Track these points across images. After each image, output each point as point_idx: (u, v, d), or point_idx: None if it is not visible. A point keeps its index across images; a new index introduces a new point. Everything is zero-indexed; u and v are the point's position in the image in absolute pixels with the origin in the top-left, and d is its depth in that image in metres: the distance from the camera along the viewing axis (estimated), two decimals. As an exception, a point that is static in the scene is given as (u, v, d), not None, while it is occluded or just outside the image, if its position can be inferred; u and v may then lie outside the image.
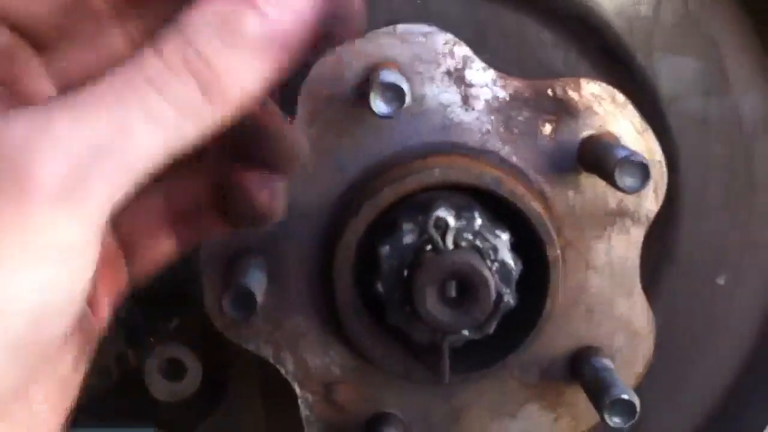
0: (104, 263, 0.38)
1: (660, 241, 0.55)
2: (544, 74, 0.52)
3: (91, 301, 0.39)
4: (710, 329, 0.59)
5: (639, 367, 0.51)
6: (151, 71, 0.31)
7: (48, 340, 0.32)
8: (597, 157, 0.47)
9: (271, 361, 0.49)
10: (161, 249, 0.40)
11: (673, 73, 0.55)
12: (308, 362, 0.50)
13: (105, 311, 0.41)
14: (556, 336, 0.50)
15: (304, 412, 0.50)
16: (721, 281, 0.58)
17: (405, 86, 0.43)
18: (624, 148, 0.46)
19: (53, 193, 0.30)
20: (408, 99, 0.43)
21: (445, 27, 0.49)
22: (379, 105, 0.43)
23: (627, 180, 0.45)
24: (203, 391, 0.58)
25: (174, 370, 0.57)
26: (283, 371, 0.50)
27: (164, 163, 0.31)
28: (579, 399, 0.51)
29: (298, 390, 0.50)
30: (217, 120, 0.31)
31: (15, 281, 0.30)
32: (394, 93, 0.43)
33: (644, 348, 0.51)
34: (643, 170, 0.45)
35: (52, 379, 0.39)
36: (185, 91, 0.31)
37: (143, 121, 0.30)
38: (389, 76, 0.44)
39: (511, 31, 0.55)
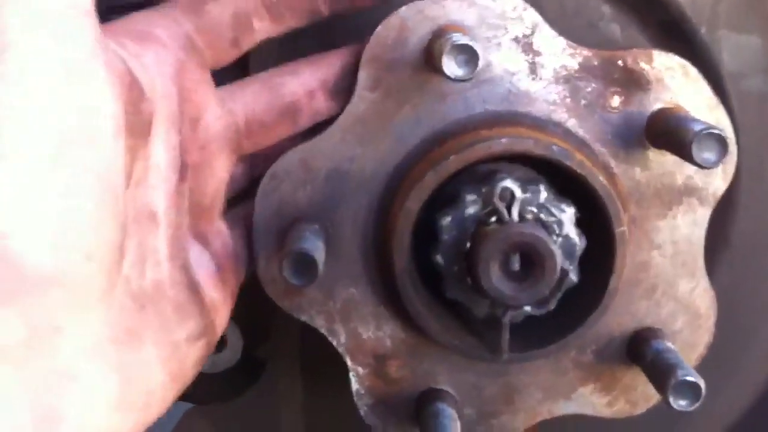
0: (224, 257, 0.47)
1: (717, 224, 0.54)
2: (600, 48, 0.50)
3: (212, 297, 0.45)
4: (762, 316, 0.57)
5: (699, 350, 0.50)
6: None
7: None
8: (669, 131, 0.46)
9: (324, 332, 0.48)
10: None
11: (736, 49, 0.54)
12: (361, 334, 0.48)
13: (225, 310, 0.46)
14: (617, 316, 0.49)
15: (354, 385, 0.49)
16: (776, 267, 0.57)
17: (478, 48, 0.41)
18: (699, 121, 0.44)
19: None
20: (481, 62, 0.42)
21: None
22: (451, 67, 0.42)
23: (705, 154, 0.43)
24: (242, 366, 0.57)
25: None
26: (335, 343, 0.48)
27: None
28: (636, 381, 0.50)
29: (349, 362, 0.48)
30: None
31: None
32: (468, 55, 0.42)
33: (705, 330, 0.50)
34: (721, 144, 0.43)
35: (162, 334, 0.40)
36: None
37: None
38: (461, 38, 0.42)
39: (569, 2, 0.54)
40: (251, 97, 0.47)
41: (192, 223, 0.45)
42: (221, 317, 0.46)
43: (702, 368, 0.50)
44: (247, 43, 0.47)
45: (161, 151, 0.42)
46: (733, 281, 0.56)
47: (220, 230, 0.47)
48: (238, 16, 0.46)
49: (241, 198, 0.50)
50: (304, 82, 0.47)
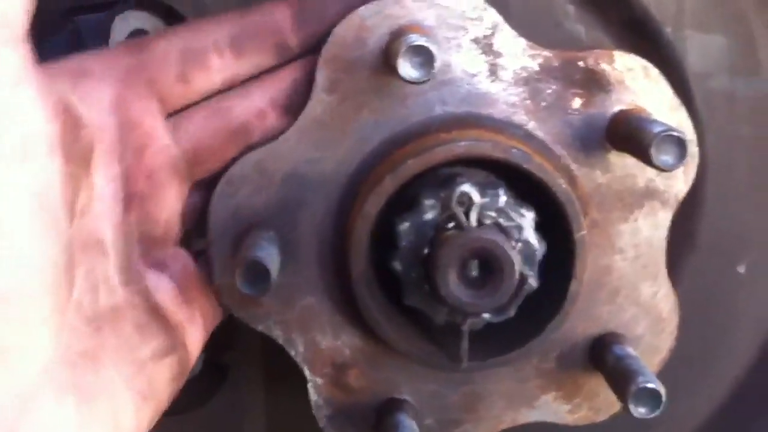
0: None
1: (682, 226, 0.53)
2: (566, 48, 0.49)
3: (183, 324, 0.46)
4: (729, 317, 0.57)
5: (661, 354, 0.49)
6: None
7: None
8: (630, 133, 0.45)
9: (281, 342, 0.47)
10: None
11: (701, 49, 0.53)
12: (319, 344, 0.47)
13: (196, 327, 0.47)
14: (578, 321, 0.48)
15: (312, 396, 0.47)
16: (741, 269, 0.57)
17: (434, 49, 0.40)
18: (659, 123, 0.44)
19: None
20: (437, 63, 0.41)
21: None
22: (407, 69, 0.41)
23: (663, 157, 0.42)
24: (204, 374, 0.56)
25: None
26: (292, 353, 0.47)
27: None
28: (598, 388, 0.49)
29: (307, 373, 0.47)
30: None
31: None
32: (423, 56, 0.41)
33: (667, 335, 0.49)
34: (680, 147, 0.42)
35: (123, 353, 0.43)
36: None
37: None
38: (418, 38, 0.41)
39: (534, 2, 0.53)
40: (200, 124, 0.46)
41: (144, 251, 0.45)
42: (193, 334, 0.46)
43: (668, 372, 0.50)
44: (202, 80, 0.46)
45: (103, 181, 0.42)
46: (699, 283, 0.56)
47: (178, 255, 0.47)
48: (187, 50, 0.45)
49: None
50: (253, 104, 0.46)
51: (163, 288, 0.45)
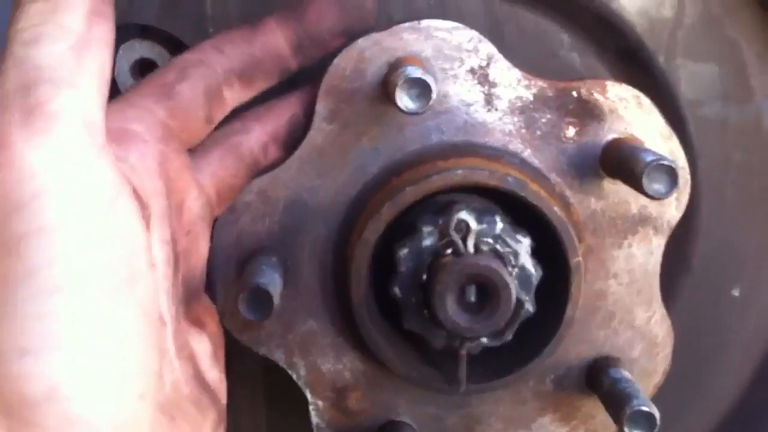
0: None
1: (676, 251, 0.54)
2: (560, 77, 0.50)
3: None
4: (723, 341, 0.58)
5: (656, 378, 0.50)
6: None
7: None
8: (622, 161, 0.46)
9: (283, 365, 0.48)
10: None
11: (694, 77, 0.54)
12: (320, 367, 0.48)
13: (224, 385, 0.46)
14: (574, 345, 0.49)
15: (314, 419, 0.48)
16: (736, 293, 0.57)
17: (431, 81, 0.42)
18: (651, 152, 0.45)
19: None
20: (434, 95, 0.42)
21: (461, 25, 0.47)
22: (404, 101, 0.42)
23: (655, 185, 0.43)
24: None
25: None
26: (294, 376, 0.48)
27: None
28: (595, 411, 0.50)
29: (309, 396, 0.48)
30: None
31: None
32: (421, 89, 0.42)
33: (662, 358, 0.50)
34: (671, 175, 0.43)
35: None
36: None
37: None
38: (415, 71, 0.42)
39: (529, 31, 0.54)
40: (218, 164, 0.46)
41: (186, 311, 0.44)
42: (223, 394, 0.46)
43: (663, 394, 0.51)
44: (219, 116, 0.46)
45: (158, 250, 0.41)
46: (694, 306, 0.57)
47: (208, 306, 0.46)
48: (209, 90, 0.45)
49: None
50: (257, 138, 0.47)
51: (203, 351, 0.44)
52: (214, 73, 0.45)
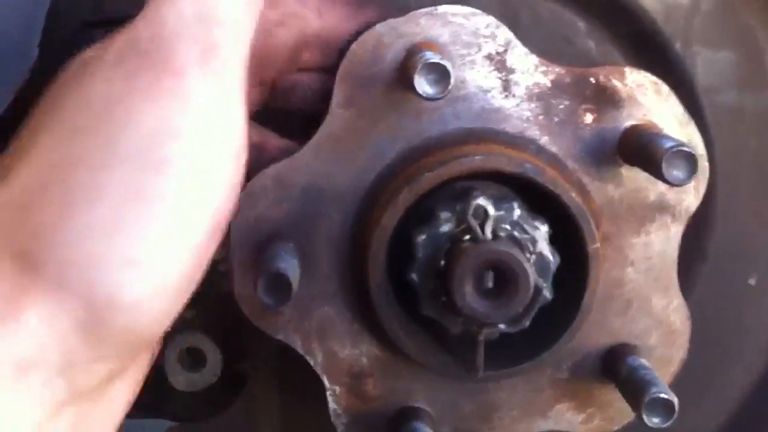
0: None
1: (692, 239, 0.54)
2: (577, 63, 0.50)
3: None
4: (739, 329, 0.58)
5: (673, 366, 0.50)
6: None
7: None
8: (640, 148, 0.46)
9: (300, 351, 0.48)
10: None
11: (710, 64, 0.54)
12: (337, 353, 0.48)
13: None
14: (592, 332, 0.49)
15: (331, 404, 0.48)
16: (752, 281, 0.57)
17: (449, 67, 0.41)
18: (670, 138, 0.45)
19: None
20: (452, 80, 0.42)
21: (476, 12, 0.47)
22: (423, 86, 0.42)
23: (674, 172, 0.43)
24: (222, 383, 0.57)
25: (194, 360, 0.55)
26: (311, 362, 0.48)
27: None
28: (611, 398, 0.50)
29: (326, 382, 0.48)
30: None
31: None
32: (439, 74, 0.42)
33: (679, 346, 0.50)
34: (691, 162, 0.43)
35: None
36: None
37: None
38: (433, 56, 0.42)
39: (545, 18, 0.54)
40: None
41: None
42: None
43: (679, 382, 0.50)
44: (290, 72, 0.49)
45: None
46: (710, 294, 0.57)
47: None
48: (297, 45, 0.48)
49: None
50: None
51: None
52: (306, 28, 0.47)
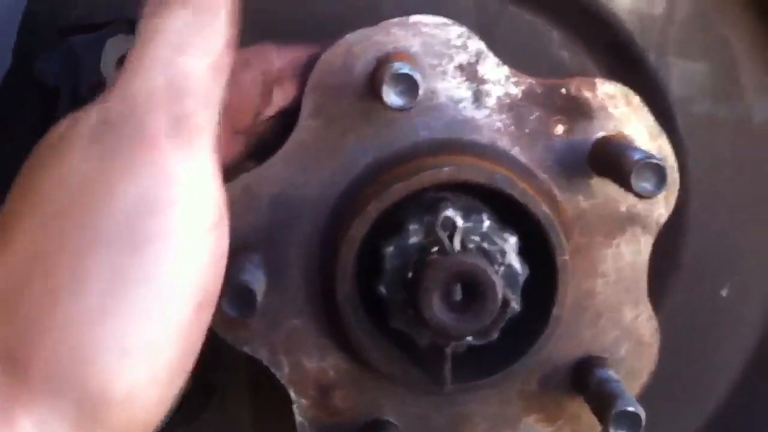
0: None
1: (665, 250, 0.54)
2: (552, 74, 0.50)
3: None
4: (712, 341, 0.58)
5: (642, 377, 0.50)
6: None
7: None
8: (611, 160, 0.46)
9: (267, 363, 0.47)
10: None
11: (684, 74, 0.54)
12: (304, 366, 0.48)
13: None
14: (561, 344, 0.49)
15: (298, 417, 0.48)
16: (724, 293, 0.57)
17: (418, 77, 0.41)
18: (639, 150, 0.45)
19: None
20: (421, 91, 0.41)
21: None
22: (391, 97, 0.41)
23: (642, 184, 0.43)
24: (192, 393, 0.56)
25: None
26: (278, 374, 0.47)
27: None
28: (581, 411, 0.49)
29: (293, 394, 0.48)
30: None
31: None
32: (407, 85, 0.41)
33: (648, 358, 0.50)
34: (659, 174, 0.43)
35: None
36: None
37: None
38: (402, 67, 0.42)
39: (519, 28, 0.54)
40: None
41: None
42: None
43: (651, 394, 0.50)
44: (266, 113, 0.48)
45: None
46: (683, 305, 0.57)
47: None
48: (265, 84, 0.48)
49: None
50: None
51: None
52: (272, 68, 0.47)
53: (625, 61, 0.54)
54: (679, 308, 0.56)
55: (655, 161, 0.43)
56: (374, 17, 0.47)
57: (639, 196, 0.44)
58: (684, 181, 0.53)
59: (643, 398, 0.48)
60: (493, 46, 0.48)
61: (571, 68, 0.54)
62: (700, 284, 0.57)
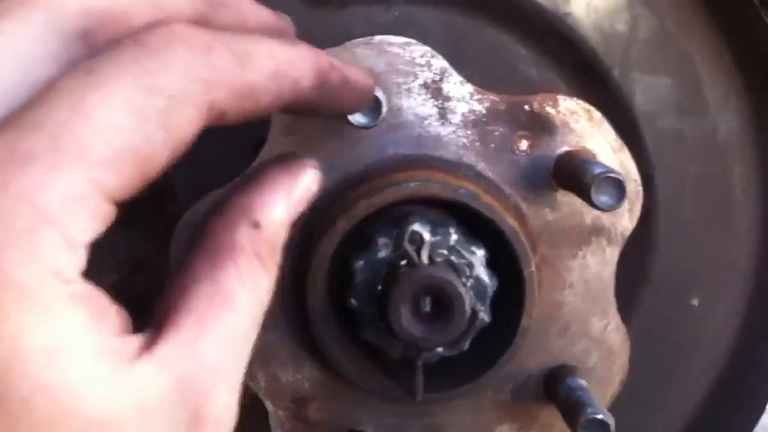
0: None
1: (635, 261, 0.55)
2: (520, 90, 0.51)
3: None
4: (683, 351, 0.59)
5: (613, 386, 0.51)
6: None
7: None
8: (572, 174, 0.47)
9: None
10: None
11: (649, 90, 0.56)
12: (280, 378, 0.48)
13: None
14: (531, 354, 0.50)
15: (275, 428, 0.49)
16: (695, 302, 0.58)
17: (381, 96, 0.43)
18: (600, 164, 0.46)
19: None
20: (384, 109, 0.43)
21: (421, 41, 0.48)
22: (355, 116, 0.43)
23: (602, 197, 0.44)
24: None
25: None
26: (254, 387, 0.48)
27: None
28: (553, 419, 0.50)
29: (269, 406, 0.48)
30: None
31: None
32: (371, 103, 0.43)
33: (618, 367, 0.51)
34: (618, 188, 0.44)
35: None
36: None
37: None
38: None
39: (488, 45, 0.55)
40: None
41: None
42: None
43: (622, 403, 0.51)
44: None
45: None
46: (654, 316, 0.57)
47: None
48: None
49: None
50: None
51: None
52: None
53: (591, 77, 0.55)
54: (650, 319, 0.57)
55: (613, 175, 0.44)
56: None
57: (599, 209, 0.45)
58: (651, 194, 0.54)
59: (616, 407, 0.49)
60: (462, 64, 0.49)
61: (540, 85, 0.55)
62: (671, 294, 0.58)
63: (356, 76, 0.39)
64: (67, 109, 0.28)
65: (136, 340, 0.30)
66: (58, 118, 0.28)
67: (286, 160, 0.37)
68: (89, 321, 0.28)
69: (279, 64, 0.34)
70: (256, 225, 0.34)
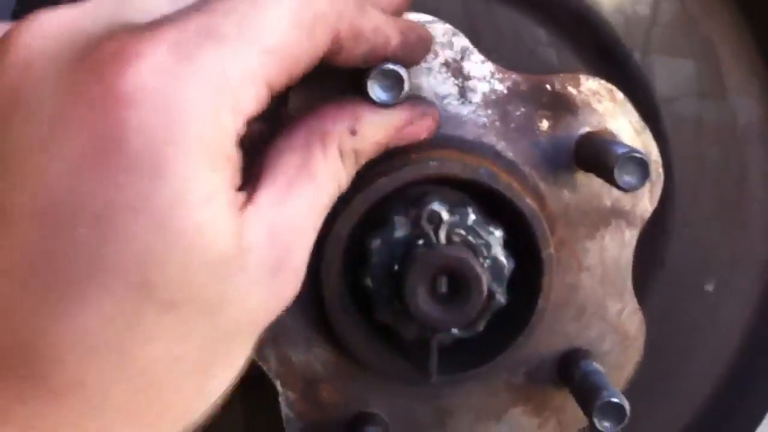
0: None
1: (650, 245, 0.55)
2: (539, 73, 0.51)
3: None
4: (696, 336, 0.58)
5: (628, 370, 0.50)
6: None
7: None
8: (595, 154, 0.46)
9: (254, 357, 0.47)
10: None
11: (669, 73, 0.55)
12: (291, 359, 0.48)
13: None
14: (546, 337, 0.49)
15: (284, 410, 0.48)
16: (709, 288, 0.58)
17: (404, 74, 0.42)
18: (623, 145, 0.45)
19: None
20: (407, 86, 0.42)
21: (440, 21, 0.48)
22: (377, 92, 0.42)
23: (626, 177, 0.44)
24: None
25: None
26: (265, 367, 0.48)
27: None
28: (565, 403, 0.50)
29: (279, 387, 0.48)
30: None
31: None
32: (393, 80, 0.42)
33: (633, 352, 0.50)
34: (642, 168, 0.44)
35: None
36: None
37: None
38: (387, 62, 0.42)
39: (506, 27, 0.54)
40: None
41: None
42: None
43: (635, 388, 0.51)
44: None
45: None
46: (668, 301, 0.57)
47: None
48: None
49: None
50: None
51: None
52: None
53: (611, 60, 0.55)
54: (664, 304, 0.57)
55: (638, 155, 0.44)
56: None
57: (623, 189, 0.44)
58: (669, 178, 0.53)
59: (630, 393, 0.49)
60: (479, 44, 0.48)
61: (558, 67, 0.54)
62: (685, 280, 0.57)
63: (426, 33, 0.43)
64: (249, 4, 0.34)
65: (243, 192, 0.35)
66: (243, 11, 0.34)
67: (417, 100, 0.43)
68: (232, 178, 0.34)
69: (379, 22, 0.39)
70: (354, 132, 0.39)
